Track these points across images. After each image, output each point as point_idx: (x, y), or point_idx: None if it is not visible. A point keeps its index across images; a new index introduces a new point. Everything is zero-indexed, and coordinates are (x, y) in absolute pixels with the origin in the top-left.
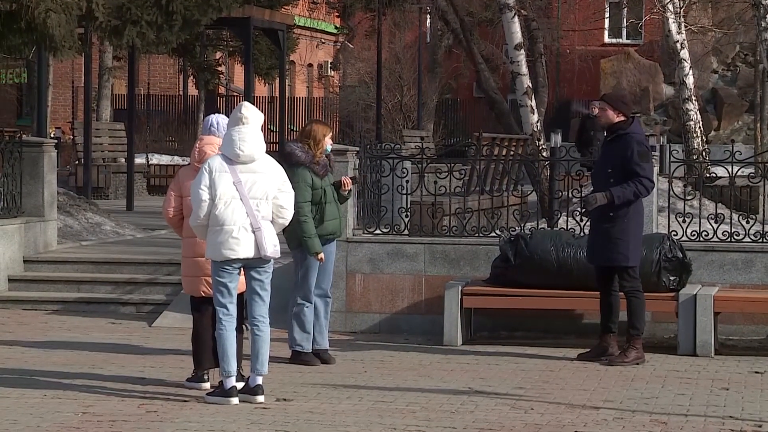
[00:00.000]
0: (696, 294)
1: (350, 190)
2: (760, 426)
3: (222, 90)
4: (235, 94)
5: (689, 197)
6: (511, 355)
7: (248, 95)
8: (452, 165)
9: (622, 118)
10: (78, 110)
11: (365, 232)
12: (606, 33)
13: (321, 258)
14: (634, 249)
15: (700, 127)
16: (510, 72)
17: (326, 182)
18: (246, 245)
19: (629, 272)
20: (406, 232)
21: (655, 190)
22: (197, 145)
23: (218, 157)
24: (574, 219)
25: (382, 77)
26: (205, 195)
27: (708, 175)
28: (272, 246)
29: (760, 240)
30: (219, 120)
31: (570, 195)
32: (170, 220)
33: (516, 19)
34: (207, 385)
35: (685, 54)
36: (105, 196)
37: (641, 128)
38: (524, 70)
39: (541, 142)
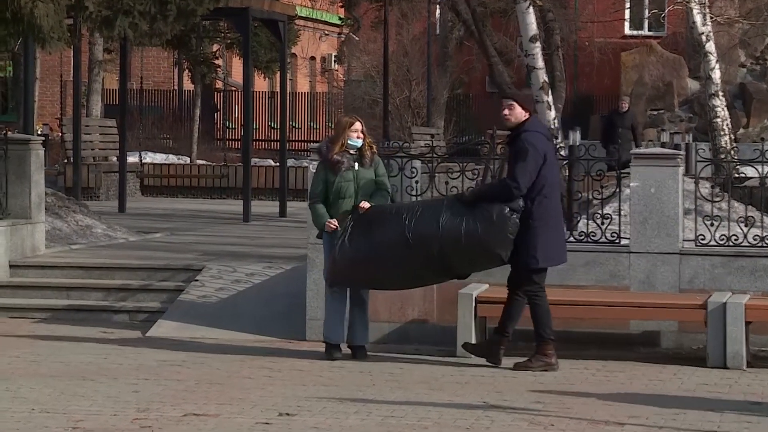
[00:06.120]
0: (726, 302)
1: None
2: None
3: (219, 84)
4: (233, 88)
5: (717, 199)
6: None
7: (247, 90)
8: (464, 164)
9: (527, 117)
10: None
11: None
12: (627, 24)
13: (332, 225)
14: (542, 252)
15: (727, 124)
16: (525, 66)
17: (347, 176)
18: None
19: (533, 277)
20: None
21: (680, 191)
22: None
23: None
24: (595, 222)
25: (389, 71)
26: None
27: (737, 175)
28: None
29: None
30: None
31: (590, 197)
32: None
33: (531, 9)
34: None
35: (710, 47)
36: (96, 197)
37: (538, 124)
38: (540, 63)
39: (559, 140)
